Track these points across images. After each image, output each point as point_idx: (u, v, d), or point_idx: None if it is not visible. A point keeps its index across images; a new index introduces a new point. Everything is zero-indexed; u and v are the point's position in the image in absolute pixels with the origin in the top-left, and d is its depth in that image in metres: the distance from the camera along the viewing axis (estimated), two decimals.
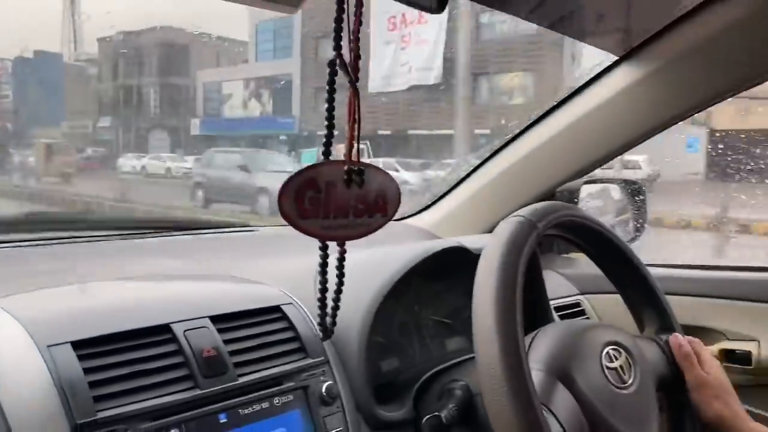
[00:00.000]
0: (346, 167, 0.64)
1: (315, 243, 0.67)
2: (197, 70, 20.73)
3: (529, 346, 0.83)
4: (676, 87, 1.15)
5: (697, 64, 1.11)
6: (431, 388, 0.94)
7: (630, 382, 0.83)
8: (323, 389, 0.83)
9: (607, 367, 0.82)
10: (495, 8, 1.21)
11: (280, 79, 20.21)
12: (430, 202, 1.53)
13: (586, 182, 1.57)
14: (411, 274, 0.98)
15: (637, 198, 1.67)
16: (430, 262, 1.02)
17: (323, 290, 0.71)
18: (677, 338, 0.94)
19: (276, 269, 1.07)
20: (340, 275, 0.73)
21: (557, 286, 1.36)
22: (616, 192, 1.70)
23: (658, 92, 1.16)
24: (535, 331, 0.86)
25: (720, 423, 0.91)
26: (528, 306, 1.18)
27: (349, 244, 0.70)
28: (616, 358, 0.84)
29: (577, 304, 1.33)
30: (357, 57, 0.62)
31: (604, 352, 0.83)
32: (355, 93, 0.62)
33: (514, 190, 1.36)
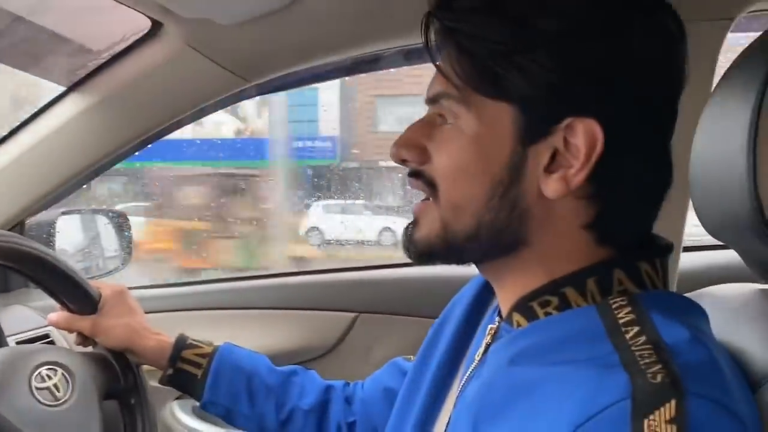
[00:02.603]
0: None
1: None
2: None
3: None
4: (116, 120, 1.24)
5: (128, 102, 1.22)
6: None
7: (65, 398, 0.86)
8: None
9: (37, 388, 0.83)
10: None
11: None
12: None
13: (64, 212, 1.55)
14: None
15: (121, 227, 1.72)
16: None
17: None
18: (50, 317, 0.98)
19: None
20: None
21: (25, 320, 1.31)
22: (100, 222, 1.72)
23: (101, 124, 1.24)
24: None
25: (132, 342, 0.95)
26: None
27: None
28: (50, 378, 0.86)
29: (46, 335, 1.30)
30: None
31: (36, 374, 0.85)
32: None
33: None
